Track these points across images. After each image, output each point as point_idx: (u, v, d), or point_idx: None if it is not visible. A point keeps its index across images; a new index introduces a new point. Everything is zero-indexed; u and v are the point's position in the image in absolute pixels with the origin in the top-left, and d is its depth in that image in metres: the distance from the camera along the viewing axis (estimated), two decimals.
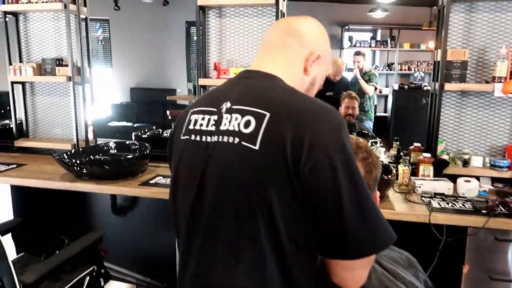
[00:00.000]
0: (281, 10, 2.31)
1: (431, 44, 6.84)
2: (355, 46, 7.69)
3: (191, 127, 0.95)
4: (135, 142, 2.51)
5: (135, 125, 6.30)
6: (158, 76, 6.83)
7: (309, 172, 0.79)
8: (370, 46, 7.73)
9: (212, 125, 0.91)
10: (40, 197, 2.49)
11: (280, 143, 0.80)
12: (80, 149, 2.44)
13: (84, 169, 2.18)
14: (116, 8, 5.86)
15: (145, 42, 6.67)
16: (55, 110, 2.84)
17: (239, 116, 0.87)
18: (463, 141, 2.27)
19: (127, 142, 2.50)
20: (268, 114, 0.83)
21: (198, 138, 0.92)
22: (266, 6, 2.37)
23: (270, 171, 0.81)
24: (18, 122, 2.82)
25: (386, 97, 7.13)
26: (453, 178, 2.08)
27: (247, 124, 0.85)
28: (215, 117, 0.91)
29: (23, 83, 2.82)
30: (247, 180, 0.83)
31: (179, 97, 6.45)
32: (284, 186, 0.80)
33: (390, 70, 7.32)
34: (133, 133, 2.90)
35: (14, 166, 2.50)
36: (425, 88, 6.32)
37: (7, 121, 3.27)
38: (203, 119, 0.93)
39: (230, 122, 0.88)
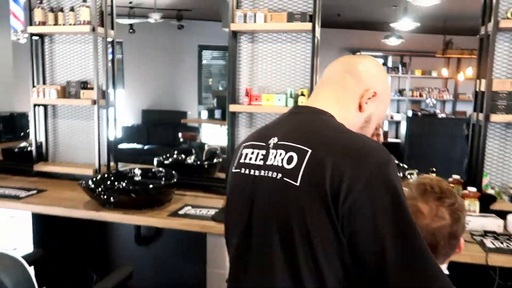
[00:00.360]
0: (316, 37, 2.26)
1: (444, 72, 6.84)
2: None
3: (242, 160, 0.98)
4: (161, 169, 2.41)
5: (145, 147, 6.22)
6: (169, 99, 6.80)
7: (348, 212, 0.77)
8: None
9: (260, 159, 0.94)
10: (60, 226, 2.36)
11: (319, 181, 0.80)
12: (105, 175, 2.34)
13: (112, 198, 2.07)
14: (131, 31, 5.88)
15: (158, 65, 6.66)
16: (77, 133, 2.76)
17: (283, 152, 0.89)
18: (509, 174, 2.18)
19: (153, 169, 2.40)
20: (309, 151, 0.84)
21: (247, 171, 0.95)
22: (300, 32, 2.32)
23: (310, 208, 0.81)
24: (37, 145, 2.73)
25: (397, 123, 7.08)
26: (500, 214, 1.97)
27: (289, 160, 0.86)
28: (263, 151, 0.94)
29: (45, 106, 2.74)
30: (288, 217, 0.84)
31: (193, 120, 6.39)
32: (325, 225, 0.80)
33: (401, 96, 7.30)
34: (156, 159, 2.80)
35: (35, 192, 2.39)
36: (439, 116, 6.27)
37: (24, 144, 3.20)
38: (252, 153, 0.96)
39: (275, 157, 0.90)
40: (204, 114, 6.69)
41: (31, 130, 2.75)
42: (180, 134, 5.85)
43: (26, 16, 2.65)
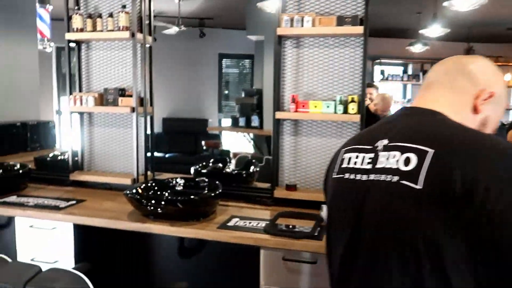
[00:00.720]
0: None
1: None
2: (387, 79, 7.61)
3: (344, 165, 0.94)
4: (203, 178, 2.33)
5: (167, 155, 6.16)
6: (190, 107, 6.76)
7: (488, 216, 0.70)
8: (401, 80, 7.66)
9: (368, 163, 0.89)
10: (99, 237, 2.29)
11: (445, 182, 0.74)
12: (148, 185, 2.26)
13: (159, 209, 1.99)
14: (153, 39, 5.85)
15: (178, 73, 6.63)
16: (113, 142, 2.69)
17: (397, 154, 0.83)
18: None
19: (197, 179, 2.31)
20: (431, 151, 0.78)
21: (352, 176, 0.91)
22: (350, 36, 2.24)
23: (436, 213, 0.75)
24: (73, 153, 2.67)
25: None
26: None
27: (407, 162, 0.81)
28: (371, 155, 0.89)
29: (81, 113, 2.69)
30: (411, 221, 0.78)
31: (218, 128, 6.33)
32: (455, 232, 0.73)
33: None
34: (192, 168, 2.72)
35: (74, 202, 2.32)
36: None
37: (56, 152, 3.14)
38: (357, 157, 0.92)
39: (387, 159, 0.85)
40: (225, 122, 6.64)
41: (66, 138, 2.70)
42: (203, 142, 5.79)
43: (62, 24, 2.61)
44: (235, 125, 5.42)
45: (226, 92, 7.40)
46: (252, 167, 2.84)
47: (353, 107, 2.15)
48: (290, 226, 1.98)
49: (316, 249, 1.77)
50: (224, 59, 7.02)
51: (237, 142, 6.17)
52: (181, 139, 6.39)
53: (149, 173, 2.65)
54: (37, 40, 4.05)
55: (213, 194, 2.11)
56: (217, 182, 2.24)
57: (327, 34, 2.24)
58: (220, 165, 2.87)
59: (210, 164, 2.93)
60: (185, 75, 6.72)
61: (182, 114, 6.71)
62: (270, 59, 2.40)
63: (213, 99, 6.88)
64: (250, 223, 2.03)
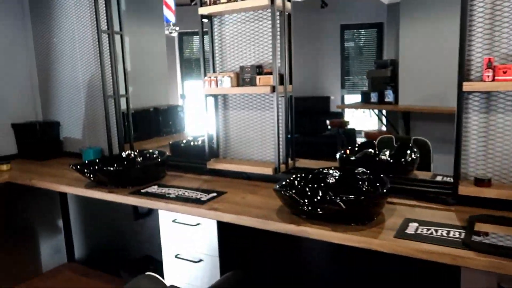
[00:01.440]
0: None
1: None
2: None
3: None
4: (364, 170, 1.89)
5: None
6: (310, 84, 6.32)
7: None
8: None
9: None
10: (244, 236, 2.04)
11: None
12: (297, 177, 1.91)
13: (319, 210, 1.62)
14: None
15: (297, 48, 6.22)
16: (250, 126, 2.41)
17: None
18: None
19: (356, 170, 1.89)
20: None
21: None
22: None
23: None
24: (210, 140, 2.47)
25: None
26: None
27: None
28: None
29: (215, 96, 2.46)
30: None
31: (347, 105, 5.79)
32: None
33: None
34: (338, 154, 2.30)
35: (214, 194, 2.10)
36: None
37: (189, 138, 3.02)
38: None
39: None
40: (348, 99, 6.06)
41: (194, 123, 2.51)
42: (327, 122, 5.33)
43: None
44: (365, 101, 4.85)
45: (347, 67, 6.77)
46: (411, 153, 2.31)
47: None
48: (501, 237, 1.44)
49: None
50: (345, 30, 6.37)
51: (363, 120, 5.59)
52: (302, 119, 6.02)
53: (291, 161, 2.32)
54: (164, 26, 4.02)
55: (385, 191, 1.66)
56: (383, 176, 1.79)
57: None
58: (371, 150, 2.39)
59: (356, 149, 2.48)
60: (305, 50, 6.28)
61: (302, 92, 6.32)
62: (409, 23, 1.82)
63: (336, 74, 6.33)
64: (437, 231, 1.54)
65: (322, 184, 1.89)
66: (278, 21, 2.16)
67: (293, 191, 1.77)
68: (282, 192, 1.68)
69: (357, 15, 6.05)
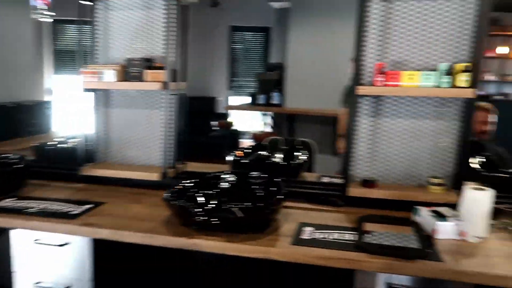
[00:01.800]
0: None
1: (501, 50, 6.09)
2: None
3: None
4: (257, 174, 1.79)
5: None
6: (197, 84, 6.14)
7: None
8: None
9: None
10: (125, 254, 1.76)
11: None
12: (186, 183, 1.71)
13: (213, 219, 1.45)
14: None
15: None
16: (134, 126, 2.13)
17: None
18: None
19: (250, 174, 1.77)
20: None
21: None
22: None
23: None
24: (86, 142, 2.11)
25: None
26: None
27: None
28: None
29: (95, 91, 2.11)
30: None
31: (235, 107, 5.74)
32: None
33: None
34: (228, 157, 2.18)
35: (91, 205, 1.77)
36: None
37: (57, 139, 2.55)
38: None
39: None
40: (234, 100, 6.05)
41: (76, 122, 2.13)
42: (216, 123, 5.22)
43: None
44: (253, 103, 4.86)
45: (234, 69, 6.79)
46: (301, 155, 2.31)
47: (467, 79, 1.62)
48: (381, 235, 1.47)
49: (435, 274, 1.28)
50: (234, 32, 6.37)
51: (248, 122, 5.63)
52: (188, 119, 5.81)
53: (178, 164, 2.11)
54: (29, 9, 3.40)
55: (282, 196, 1.58)
56: (278, 180, 1.72)
57: None
58: (264, 153, 2.33)
59: (249, 151, 2.39)
60: (192, 48, 6.09)
61: (187, 91, 6.12)
62: (298, 28, 1.83)
63: (223, 76, 6.29)
64: (331, 234, 1.51)
65: (216, 191, 1.73)
66: (174, 11, 1.94)
67: (184, 199, 1.57)
68: (170, 202, 1.47)
69: (247, 18, 6.10)
